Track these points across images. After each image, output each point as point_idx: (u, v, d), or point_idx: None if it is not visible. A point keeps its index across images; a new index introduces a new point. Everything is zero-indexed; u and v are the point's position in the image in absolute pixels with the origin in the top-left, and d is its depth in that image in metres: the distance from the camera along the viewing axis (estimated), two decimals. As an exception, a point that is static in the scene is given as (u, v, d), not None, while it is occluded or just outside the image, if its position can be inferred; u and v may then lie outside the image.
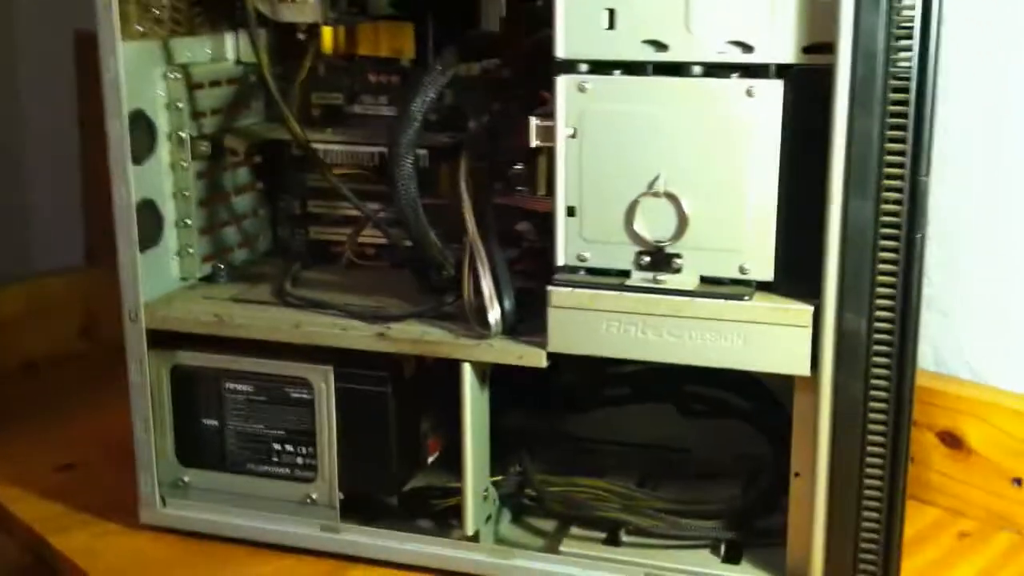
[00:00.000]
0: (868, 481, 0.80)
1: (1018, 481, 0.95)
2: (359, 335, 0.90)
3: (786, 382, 0.83)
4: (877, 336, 0.78)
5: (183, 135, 0.98)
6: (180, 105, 0.97)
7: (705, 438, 1.05)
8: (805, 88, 0.77)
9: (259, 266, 1.08)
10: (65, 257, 1.61)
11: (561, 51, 0.81)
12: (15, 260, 1.62)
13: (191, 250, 1.00)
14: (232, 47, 1.05)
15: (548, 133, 0.83)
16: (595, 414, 1.05)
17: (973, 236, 0.99)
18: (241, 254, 1.08)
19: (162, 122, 0.97)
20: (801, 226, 0.79)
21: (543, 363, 0.86)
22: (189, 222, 1.00)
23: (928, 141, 0.75)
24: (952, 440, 0.97)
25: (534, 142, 0.84)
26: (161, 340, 0.96)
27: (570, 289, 0.84)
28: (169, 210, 0.99)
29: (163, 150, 0.97)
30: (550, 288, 0.84)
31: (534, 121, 0.84)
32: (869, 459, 0.80)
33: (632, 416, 1.06)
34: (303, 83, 1.02)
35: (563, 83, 0.82)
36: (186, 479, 0.98)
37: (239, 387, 0.96)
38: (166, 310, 0.96)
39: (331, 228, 1.09)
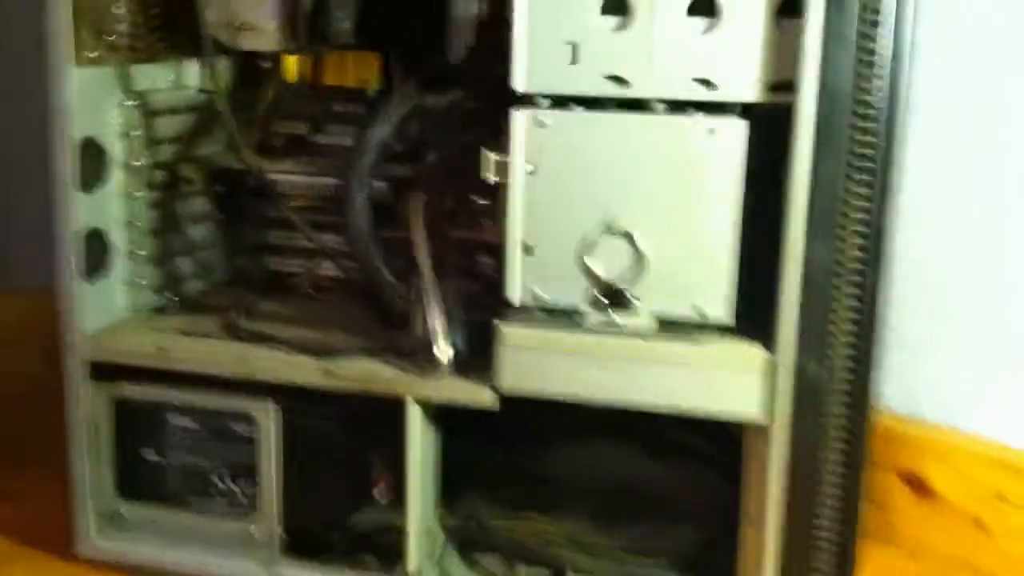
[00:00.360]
0: (819, 533, 0.78)
1: (981, 525, 0.93)
2: (304, 371, 0.87)
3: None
4: (836, 384, 0.76)
5: (137, 164, 0.95)
6: (135, 133, 0.95)
7: (662, 476, 1.02)
8: (769, 127, 0.76)
9: (214, 297, 1.05)
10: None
11: (520, 84, 0.80)
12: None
13: (141, 280, 0.98)
14: (195, 74, 1.03)
15: (503, 168, 0.81)
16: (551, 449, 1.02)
17: (943, 274, 0.98)
18: (196, 284, 1.05)
19: (115, 150, 0.95)
20: (761, 268, 0.77)
21: (494, 405, 0.83)
22: (140, 252, 0.97)
23: (894, 183, 0.73)
24: (916, 483, 0.95)
25: (490, 177, 0.82)
26: (105, 372, 0.93)
27: (521, 328, 0.82)
28: (119, 239, 0.96)
29: (115, 178, 0.95)
30: (501, 326, 0.82)
31: (491, 156, 0.82)
32: (820, 509, 0.78)
33: (588, 451, 1.03)
34: (266, 112, 1.00)
35: (521, 117, 0.80)
36: (124, 512, 0.95)
37: (182, 421, 0.94)
38: (110, 341, 0.93)
39: (290, 259, 1.06)
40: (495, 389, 0.83)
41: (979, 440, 0.94)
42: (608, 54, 0.78)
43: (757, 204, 0.77)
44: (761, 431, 0.78)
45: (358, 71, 1.00)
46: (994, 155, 0.93)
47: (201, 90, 1.04)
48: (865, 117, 0.73)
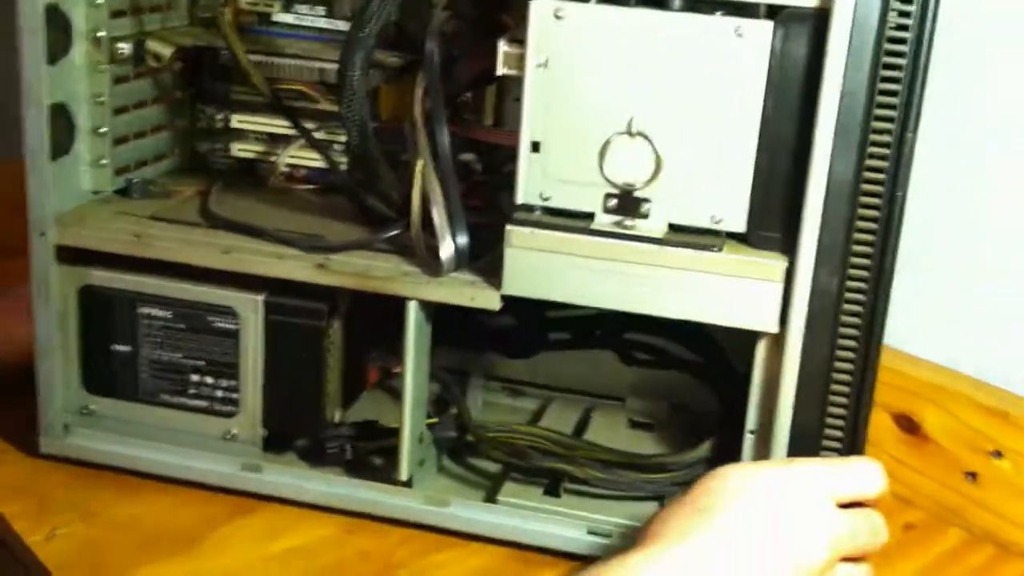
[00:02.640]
0: (828, 444, 0.79)
1: (972, 476, 0.91)
2: (297, 265, 0.83)
3: (737, 337, 0.80)
4: (849, 296, 0.76)
5: (101, 35, 0.88)
6: (99, 1, 0.88)
7: (637, 388, 1.02)
8: (796, 31, 0.74)
9: (176, 182, 0.99)
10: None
11: (537, -26, 0.76)
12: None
13: (104, 161, 0.92)
14: (158, -63, 0.96)
15: (517, 61, 0.78)
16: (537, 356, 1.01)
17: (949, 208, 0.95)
18: (155, 168, 1.00)
19: (79, 19, 0.87)
20: (779, 177, 0.76)
21: (496, 305, 0.81)
22: (104, 130, 0.91)
23: (920, 96, 0.72)
24: (908, 424, 0.93)
25: (501, 70, 0.78)
26: (69, 257, 0.88)
27: (530, 229, 0.79)
28: (83, 117, 0.90)
29: (78, 51, 0.88)
30: (509, 227, 0.80)
31: (502, 47, 0.78)
32: (830, 420, 0.78)
33: (562, 362, 1.03)
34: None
35: (537, 8, 0.76)
36: (93, 407, 0.91)
37: (156, 312, 0.89)
38: (78, 226, 0.87)
39: (256, 145, 1.01)
40: (499, 290, 0.81)
41: (980, 385, 0.91)
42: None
43: (777, 111, 0.75)
44: (773, 341, 0.78)
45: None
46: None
47: (164, -44, 0.97)
48: (897, 26, 0.72)
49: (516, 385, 1.04)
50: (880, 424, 0.93)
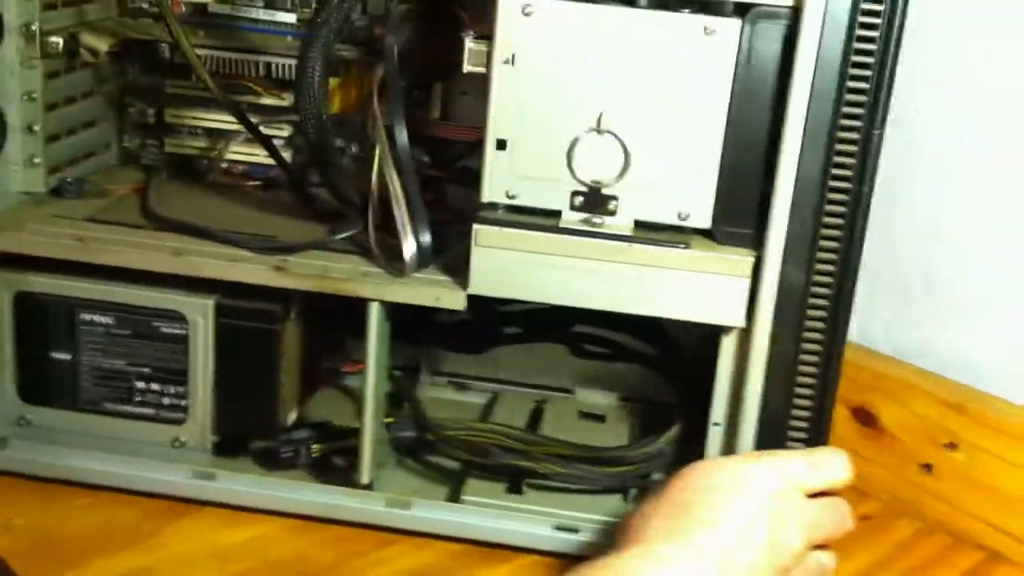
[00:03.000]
0: (794, 436, 0.80)
1: (927, 467, 0.92)
2: (253, 268, 0.81)
3: (687, 328, 0.81)
4: (815, 290, 0.77)
5: (34, 28, 0.84)
6: (32, -9, 0.84)
7: (584, 379, 1.02)
8: (765, 29, 0.74)
9: (108, 180, 0.95)
10: None
11: (502, -28, 0.75)
12: None
13: (37, 160, 0.88)
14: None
15: (482, 57, 0.77)
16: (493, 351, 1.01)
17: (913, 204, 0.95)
18: (86, 166, 0.95)
19: (9, 13, 0.83)
20: (745, 174, 0.77)
21: (462, 305, 0.80)
22: (36, 128, 0.87)
23: (888, 93, 0.74)
24: (865, 417, 0.95)
25: (466, 66, 0.77)
26: (2, 262, 0.84)
27: (498, 228, 0.78)
28: (14, 114, 0.85)
29: (9, 46, 0.84)
30: (476, 226, 0.78)
31: (468, 43, 0.77)
32: (795, 411, 0.80)
33: (506, 354, 1.03)
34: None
35: (504, 4, 0.75)
36: (30, 418, 0.87)
37: (97, 318, 0.85)
38: (14, 229, 0.83)
39: (192, 140, 0.98)
40: (465, 290, 0.80)
41: (935, 378, 0.93)
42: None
43: (743, 108, 0.76)
44: (740, 335, 0.79)
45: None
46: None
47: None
48: (867, 26, 0.73)
49: (461, 379, 1.03)
50: (838, 416, 0.93)
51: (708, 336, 0.81)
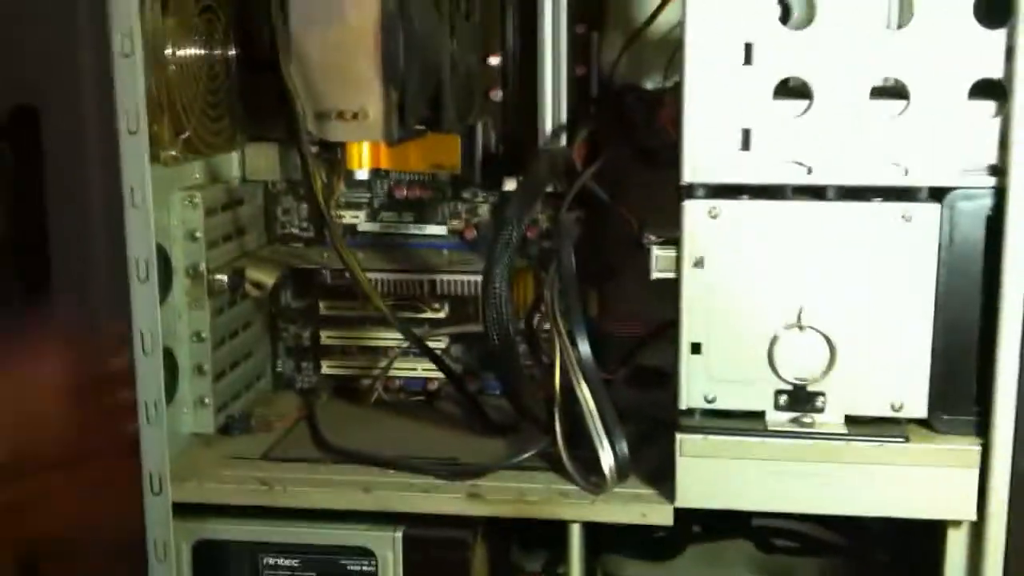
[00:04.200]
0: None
1: None
2: (447, 497, 0.78)
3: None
4: (1048, 476, 0.73)
5: (201, 268, 0.83)
6: (197, 235, 0.83)
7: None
8: (966, 210, 0.72)
9: (267, 411, 0.93)
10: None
11: (688, 175, 0.73)
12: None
13: (206, 400, 0.86)
14: (238, 163, 0.92)
15: (671, 263, 0.74)
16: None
17: None
18: (247, 399, 0.93)
19: (178, 255, 0.83)
20: (960, 357, 0.73)
21: (670, 520, 0.76)
22: (205, 368, 0.85)
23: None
24: None
25: (654, 273, 0.75)
26: (179, 509, 0.81)
27: (702, 436, 0.75)
28: (184, 356, 0.84)
29: (178, 288, 0.83)
30: (679, 435, 0.75)
31: (655, 251, 0.75)
32: (1038, 606, 0.74)
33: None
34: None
35: (691, 208, 0.73)
36: None
37: (281, 562, 0.82)
38: (192, 476, 0.81)
39: (347, 360, 0.96)
40: (673, 503, 0.76)
41: None
42: (785, 139, 0.72)
43: (950, 290, 0.73)
44: (971, 529, 0.74)
45: (431, 155, 0.90)
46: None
47: (244, 180, 0.93)
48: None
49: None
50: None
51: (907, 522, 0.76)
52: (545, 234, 0.91)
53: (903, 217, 0.72)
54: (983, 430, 0.73)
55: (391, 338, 0.94)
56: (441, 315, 0.94)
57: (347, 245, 0.89)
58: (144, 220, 0.75)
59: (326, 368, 0.96)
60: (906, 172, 0.72)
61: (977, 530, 0.74)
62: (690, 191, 0.74)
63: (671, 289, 0.75)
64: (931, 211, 0.72)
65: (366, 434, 0.87)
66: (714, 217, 0.74)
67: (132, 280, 0.76)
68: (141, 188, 0.74)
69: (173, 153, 0.77)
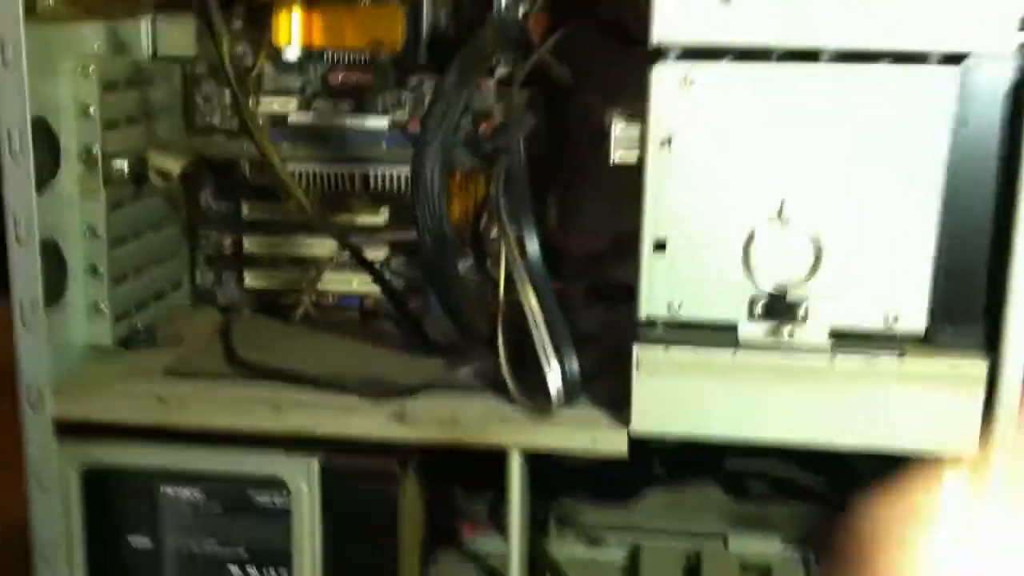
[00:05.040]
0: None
1: None
2: (368, 420, 0.67)
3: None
4: (1066, 400, 0.62)
5: (95, 151, 0.72)
6: (92, 111, 0.72)
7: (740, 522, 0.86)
8: (983, 82, 0.60)
9: (178, 323, 0.82)
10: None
11: (657, 34, 0.61)
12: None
13: (102, 306, 0.75)
14: (147, 35, 0.81)
15: (633, 142, 0.63)
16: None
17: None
18: (156, 310, 0.82)
19: (68, 135, 0.71)
20: (967, 259, 0.62)
21: (624, 448, 0.65)
22: (100, 269, 0.74)
23: None
24: None
25: (615, 155, 0.64)
26: (67, 431, 0.70)
27: (663, 347, 0.64)
28: (75, 254, 0.73)
29: (68, 174, 0.72)
30: (636, 348, 0.64)
31: (618, 126, 0.63)
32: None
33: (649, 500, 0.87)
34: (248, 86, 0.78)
35: (660, 74, 0.62)
36: (109, 617, 0.72)
37: (182, 493, 0.71)
38: (81, 393, 0.70)
39: (274, 272, 0.85)
40: (627, 428, 0.65)
41: None
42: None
43: (961, 180, 0.62)
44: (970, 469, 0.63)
45: (369, 29, 0.79)
46: None
47: (155, 56, 0.81)
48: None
49: (595, 532, 0.88)
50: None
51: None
52: (501, 128, 0.80)
53: (911, 84, 0.60)
54: (991, 345, 0.62)
55: (323, 247, 0.83)
56: (379, 220, 0.82)
57: (271, 138, 0.78)
58: (18, 82, 0.64)
59: (249, 281, 0.85)
60: (916, 32, 0.60)
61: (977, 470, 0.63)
62: (659, 54, 0.62)
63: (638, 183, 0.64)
64: (947, 76, 0.60)
65: (288, 353, 0.76)
66: (688, 85, 0.62)
67: (3, 154, 0.65)
68: (14, 43, 0.63)
69: (51, 2, 0.66)
